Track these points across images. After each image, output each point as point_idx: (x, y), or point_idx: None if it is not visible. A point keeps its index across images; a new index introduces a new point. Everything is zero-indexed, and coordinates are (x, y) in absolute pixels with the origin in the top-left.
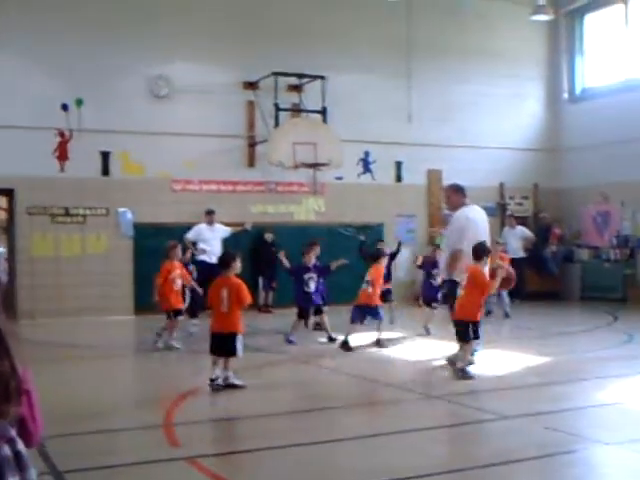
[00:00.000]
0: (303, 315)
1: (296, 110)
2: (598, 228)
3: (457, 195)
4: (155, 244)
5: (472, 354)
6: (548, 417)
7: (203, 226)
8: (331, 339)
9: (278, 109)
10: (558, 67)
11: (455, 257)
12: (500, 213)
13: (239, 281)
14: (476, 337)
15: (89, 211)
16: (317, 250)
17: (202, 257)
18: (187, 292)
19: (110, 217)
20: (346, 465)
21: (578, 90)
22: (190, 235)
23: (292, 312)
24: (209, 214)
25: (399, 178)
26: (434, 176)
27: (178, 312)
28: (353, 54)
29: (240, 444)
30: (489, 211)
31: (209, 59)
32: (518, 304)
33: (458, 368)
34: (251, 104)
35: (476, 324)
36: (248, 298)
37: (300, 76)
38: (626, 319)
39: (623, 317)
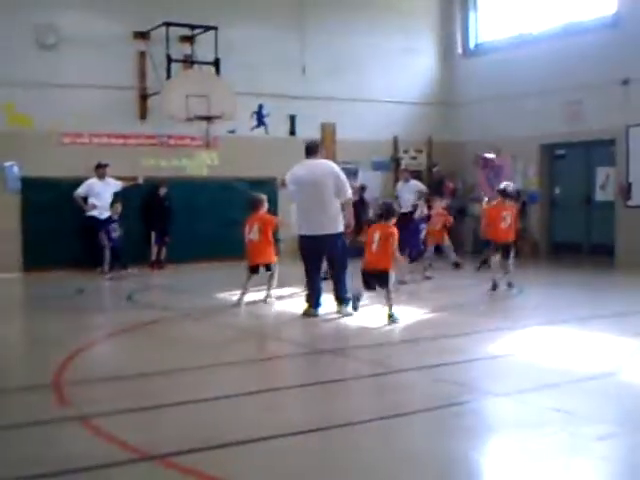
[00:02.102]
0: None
1: (188, 61)
2: (490, 182)
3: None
4: (44, 199)
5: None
6: (439, 370)
7: (94, 180)
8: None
9: (170, 60)
10: (452, 21)
11: None
12: (394, 167)
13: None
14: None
15: None
16: None
17: (92, 212)
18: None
19: None
20: (236, 421)
21: (472, 44)
22: (81, 190)
23: (185, 268)
24: (100, 168)
25: (293, 132)
26: (328, 130)
27: None
28: (246, 5)
29: (130, 402)
30: (383, 165)
31: (98, 8)
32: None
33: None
34: (142, 55)
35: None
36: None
37: (192, 27)
38: (516, 272)
39: (514, 270)
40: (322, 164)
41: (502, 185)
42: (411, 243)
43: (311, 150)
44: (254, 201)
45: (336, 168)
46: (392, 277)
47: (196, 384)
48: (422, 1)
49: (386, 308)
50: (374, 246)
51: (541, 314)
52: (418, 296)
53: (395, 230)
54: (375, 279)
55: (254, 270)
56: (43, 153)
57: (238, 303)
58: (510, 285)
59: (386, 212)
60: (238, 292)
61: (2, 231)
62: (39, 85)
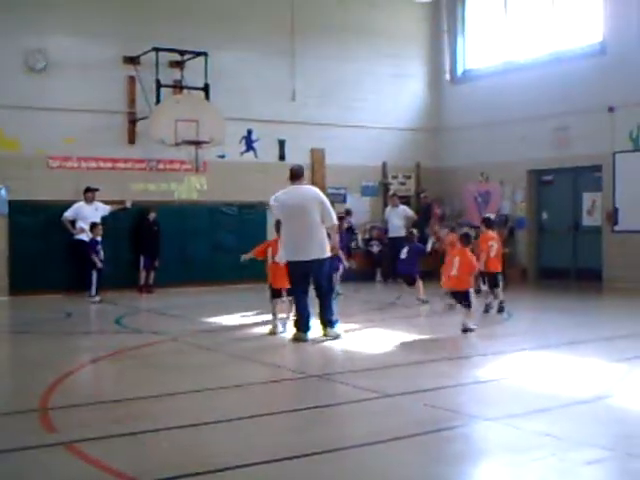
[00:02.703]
0: None
1: (178, 87)
2: (479, 207)
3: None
4: (31, 222)
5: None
6: (428, 394)
7: (82, 204)
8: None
9: (159, 85)
10: (440, 48)
11: None
12: (383, 192)
13: None
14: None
15: None
16: None
17: (80, 236)
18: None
19: None
20: (222, 447)
21: (459, 71)
22: (69, 214)
23: (174, 292)
24: (89, 192)
25: (282, 157)
26: (317, 155)
27: None
28: (236, 31)
29: (117, 427)
30: (372, 190)
31: (88, 33)
32: (399, 283)
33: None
34: (132, 80)
35: None
36: None
37: (182, 52)
38: (505, 297)
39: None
40: (307, 189)
41: (486, 215)
42: (406, 268)
43: (296, 175)
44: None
45: (320, 193)
46: (471, 294)
47: (184, 409)
48: (411, 28)
49: (465, 320)
50: (454, 270)
51: (530, 339)
52: (407, 320)
53: (472, 256)
54: (456, 297)
55: (278, 294)
56: (31, 177)
57: (274, 332)
58: (501, 310)
59: (466, 238)
60: (235, 315)
61: None
62: (28, 109)
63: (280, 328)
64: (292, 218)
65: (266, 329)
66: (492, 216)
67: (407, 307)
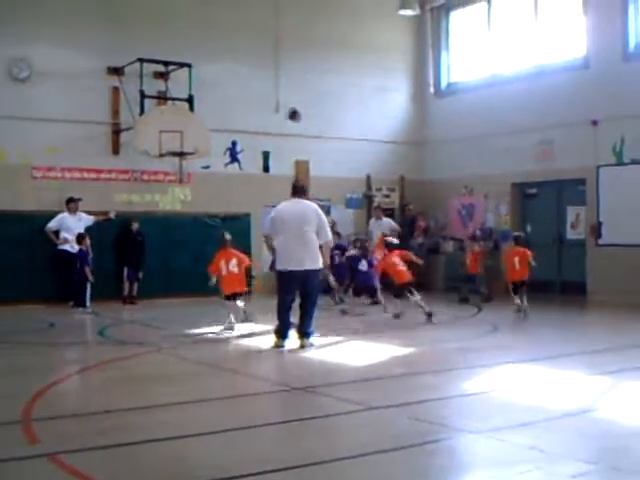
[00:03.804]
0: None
1: (162, 98)
2: (463, 220)
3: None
4: (15, 232)
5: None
6: (413, 407)
7: (66, 215)
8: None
9: (143, 96)
10: (424, 61)
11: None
12: (367, 205)
13: None
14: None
15: None
16: None
17: (64, 247)
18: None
19: None
20: (208, 460)
21: (443, 84)
22: (52, 224)
23: (157, 303)
24: (72, 202)
25: (266, 168)
26: (301, 167)
27: None
28: (220, 42)
29: (101, 439)
30: (356, 203)
31: (72, 43)
32: (383, 295)
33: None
34: (116, 90)
35: None
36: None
37: (166, 63)
38: (490, 309)
39: (487, 307)
40: (308, 204)
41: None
42: (366, 280)
43: (299, 191)
44: (227, 239)
45: (319, 210)
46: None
47: (169, 421)
48: (395, 40)
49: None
50: (517, 265)
51: (515, 352)
52: (392, 333)
53: (528, 251)
54: (519, 286)
55: (231, 297)
56: (14, 187)
57: (230, 328)
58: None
59: (518, 239)
60: (218, 327)
61: None
62: (11, 118)
63: (233, 326)
64: (290, 229)
65: (251, 341)
66: (478, 232)
67: (397, 319)
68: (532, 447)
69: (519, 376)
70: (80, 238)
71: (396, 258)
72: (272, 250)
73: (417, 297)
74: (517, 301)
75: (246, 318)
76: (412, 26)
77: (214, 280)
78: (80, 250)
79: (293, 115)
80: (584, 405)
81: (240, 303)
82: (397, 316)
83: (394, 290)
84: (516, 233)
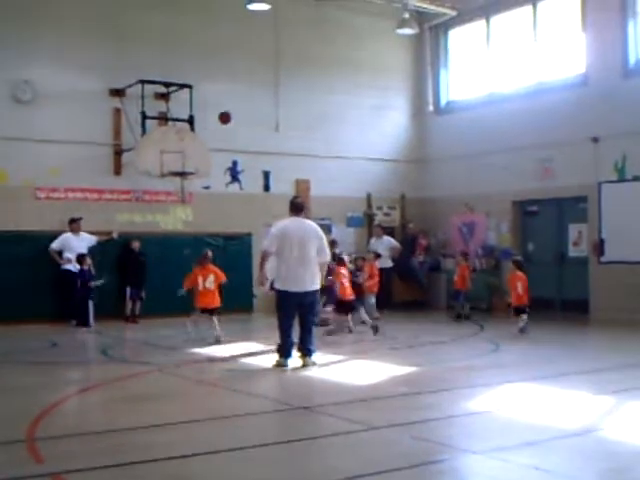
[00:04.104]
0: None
1: (163, 118)
2: (464, 238)
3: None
4: (18, 252)
5: None
6: (416, 427)
7: (69, 235)
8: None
9: (145, 117)
10: (423, 80)
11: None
12: (367, 223)
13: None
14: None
15: None
16: None
17: (67, 266)
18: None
19: None
20: (210, 479)
21: (443, 102)
22: (55, 244)
23: (159, 322)
24: (73, 222)
25: (267, 188)
26: (302, 186)
27: None
28: (221, 63)
29: (105, 458)
30: (357, 221)
31: (75, 65)
32: (386, 313)
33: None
34: (117, 111)
35: None
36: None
37: (167, 84)
38: (492, 328)
39: (489, 326)
40: (309, 223)
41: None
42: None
43: (297, 208)
44: (207, 256)
45: (319, 229)
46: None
47: (171, 440)
48: (395, 59)
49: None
50: (520, 290)
51: (517, 371)
52: (394, 352)
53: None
54: (520, 310)
55: (208, 312)
56: (18, 207)
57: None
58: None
59: (519, 263)
60: (219, 346)
61: None
62: (14, 140)
63: (190, 331)
64: (292, 248)
65: (253, 360)
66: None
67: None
68: (536, 467)
69: (522, 395)
70: (81, 258)
71: (345, 270)
72: (261, 267)
73: (363, 314)
74: (521, 324)
75: (215, 340)
76: (411, 45)
77: (183, 291)
78: (81, 270)
79: (224, 117)
80: (588, 425)
81: (215, 320)
82: (330, 333)
83: (338, 306)
84: (516, 258)
